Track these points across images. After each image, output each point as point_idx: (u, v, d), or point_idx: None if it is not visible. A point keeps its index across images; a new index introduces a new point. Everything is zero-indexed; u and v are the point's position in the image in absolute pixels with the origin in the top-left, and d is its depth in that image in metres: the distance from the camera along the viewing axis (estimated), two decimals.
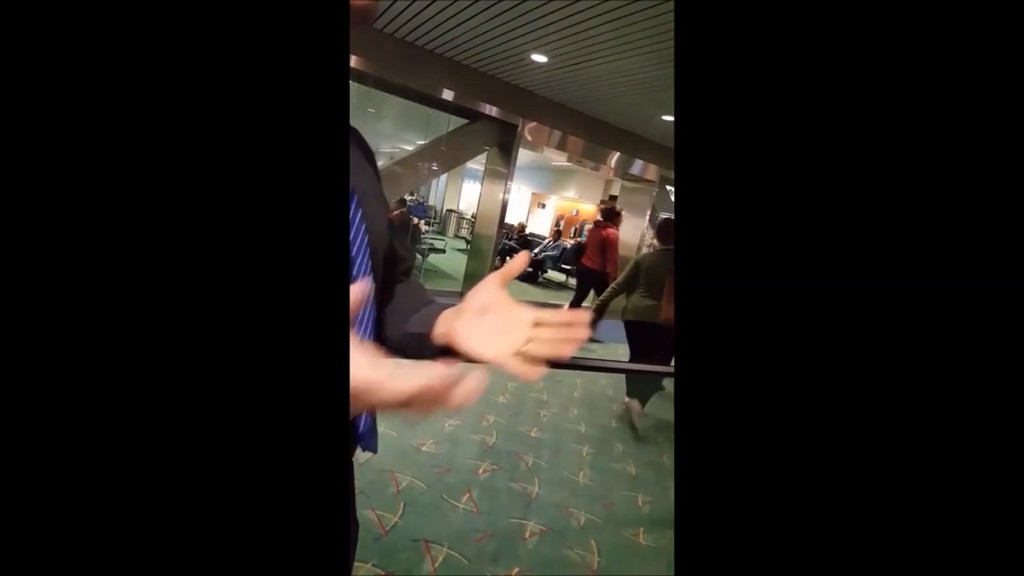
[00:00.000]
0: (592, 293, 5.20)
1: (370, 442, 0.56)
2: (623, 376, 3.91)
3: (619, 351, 4.95)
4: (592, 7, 2.84)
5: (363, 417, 0.55)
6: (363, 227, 0.53)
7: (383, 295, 0.62)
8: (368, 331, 0.55)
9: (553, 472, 2.35)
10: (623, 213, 5.41)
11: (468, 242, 8.69)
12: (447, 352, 0.50)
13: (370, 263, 0.54)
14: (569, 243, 9.58)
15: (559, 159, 8.20)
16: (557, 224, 12.31)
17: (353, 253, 0.51)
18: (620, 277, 3.06)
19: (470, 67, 4.56)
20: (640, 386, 3.11)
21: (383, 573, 1.52)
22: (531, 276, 8.57)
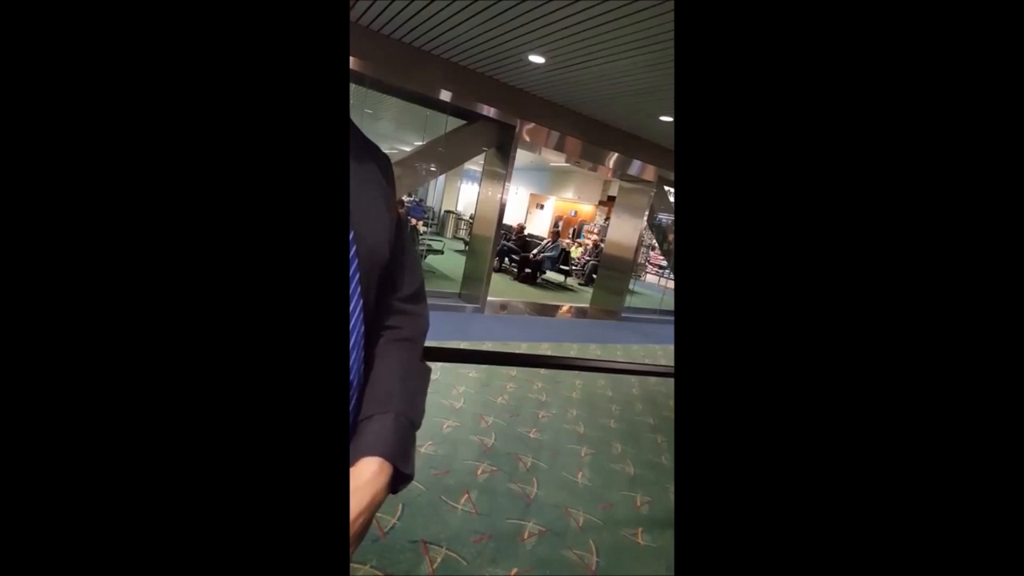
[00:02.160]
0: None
1: None
2: (622, 377, 3.91)
3: (616, 351, 4.95)
4: (590, 8, 2.84)
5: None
6: (351, 236, 0.50)
7: (377, 317, 0.58)
8: (356, 352, 0.52)
9: (552, 473, 2.35)
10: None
11: (466, 243, 8.69)
12: None
13: (358, 280, 0.51)
14: (567, 244, 9.58)
15: (557, 160, 8.21)
16: (556, 225, 12.32)
17: None
18: None
19: (468, 68, 4.56)
20: None
21: (382, 574, 1.51)
22: (530, 277, 8.57)
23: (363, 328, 0.54)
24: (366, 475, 0.49)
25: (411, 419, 0.55)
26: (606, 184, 11.72)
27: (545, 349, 4.54)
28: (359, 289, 0.52)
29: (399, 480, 0.53)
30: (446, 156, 5.12)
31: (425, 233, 9.39)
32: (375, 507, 0.49)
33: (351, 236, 0.50)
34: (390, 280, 0.59)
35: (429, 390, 0.64)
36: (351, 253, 0.50)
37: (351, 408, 0.53)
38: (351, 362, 0.52)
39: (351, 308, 0.51)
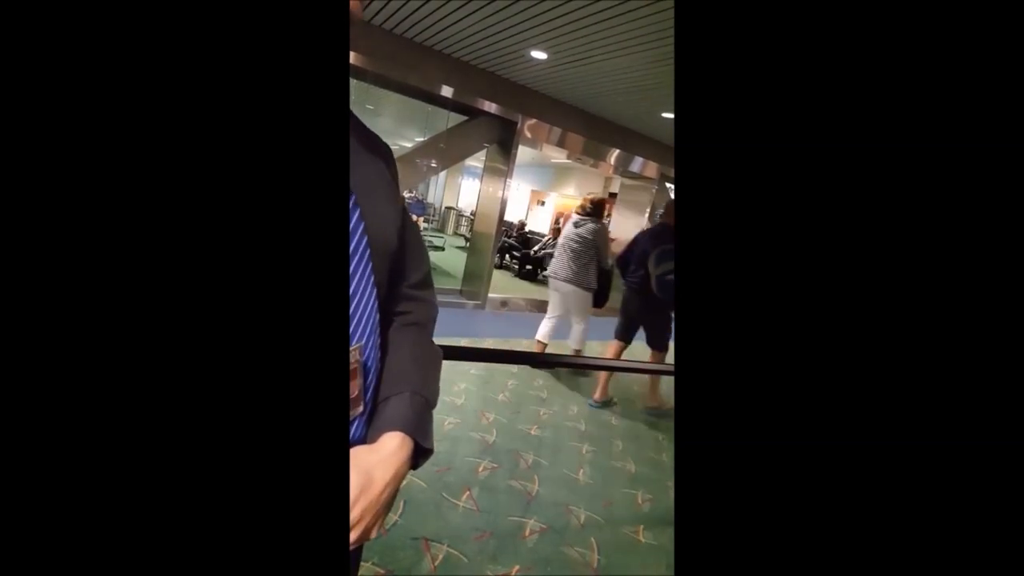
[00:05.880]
0: None
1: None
2: (621, 376, 3.91)
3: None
4: (592, 4, 2.82)
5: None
6: (362, 226, 0.50)
7: (388, 304, 0.59)
8: (370, 337, 0.53)
9: (553, 470, 2.35)
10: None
11: (467, 240, 8.69)
12: None
13: (371, 268, 0.51)
14: None
15: (558, 156, 8.18)
16: (557, 221, 12.29)
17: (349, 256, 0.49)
18: None
19: (469, 64, 4.54)
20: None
21: (383, 571, 1.52)
22: (531, 274, 8.57)
23: (378, 316, 0.55)
24: (389, 448, 0.50)
25: (426, 398, 0.58)
26: (607, 181, 11.70)
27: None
28: (373, 278, 0.53)
29: (419, 454, 0.55)
30: (447, 152, 5.12)
31: (426, 230, 9.40)
32: (400, 479, 0.50)
33: (362, 228, 0.51)
34: (399, 268, 0.60)
35: None
36: (363, 244, 0.51)
37: (369, 392, 0.54)
38: (368, 348, 0.53)
39: (367, 297, 0.51)
